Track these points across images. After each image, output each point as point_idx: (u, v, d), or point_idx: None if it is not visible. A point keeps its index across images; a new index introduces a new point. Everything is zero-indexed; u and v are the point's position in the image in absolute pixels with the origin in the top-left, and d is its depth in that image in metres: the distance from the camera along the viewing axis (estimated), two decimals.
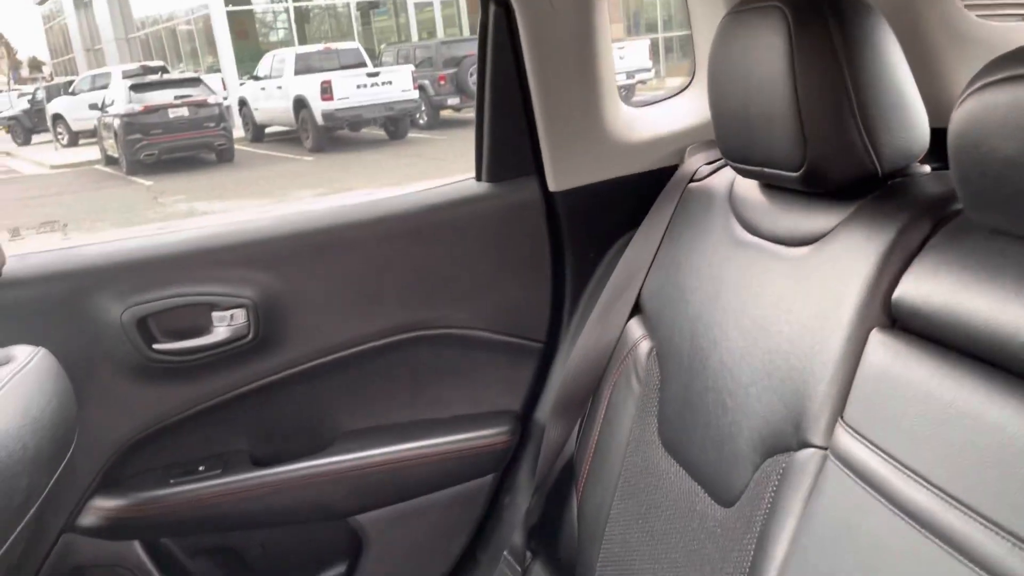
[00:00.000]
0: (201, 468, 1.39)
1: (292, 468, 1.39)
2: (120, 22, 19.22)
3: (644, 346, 1.27)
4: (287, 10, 17.49)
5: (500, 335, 1.46)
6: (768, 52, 0.94)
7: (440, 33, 17.37)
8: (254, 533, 1.46)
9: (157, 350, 1.31)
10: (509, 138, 1.42)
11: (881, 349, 0.83)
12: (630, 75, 12.94)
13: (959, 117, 0.71)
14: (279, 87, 12.28)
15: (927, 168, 0.98)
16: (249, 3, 17.14)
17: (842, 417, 0.84)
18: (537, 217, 1.43)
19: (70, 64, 21.43)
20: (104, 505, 1.35)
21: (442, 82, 12.39)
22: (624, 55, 13.01)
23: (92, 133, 12.50)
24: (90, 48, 20.85)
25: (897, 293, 0.83)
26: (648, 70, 13.77)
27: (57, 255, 1.31)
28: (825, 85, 0.91)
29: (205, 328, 1.33)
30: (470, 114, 13.04)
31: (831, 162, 0.93)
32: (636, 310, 1.32)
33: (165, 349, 1.31)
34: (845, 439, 0.82)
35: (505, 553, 1.43)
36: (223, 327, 1.33)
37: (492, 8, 1.35)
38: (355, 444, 1.42)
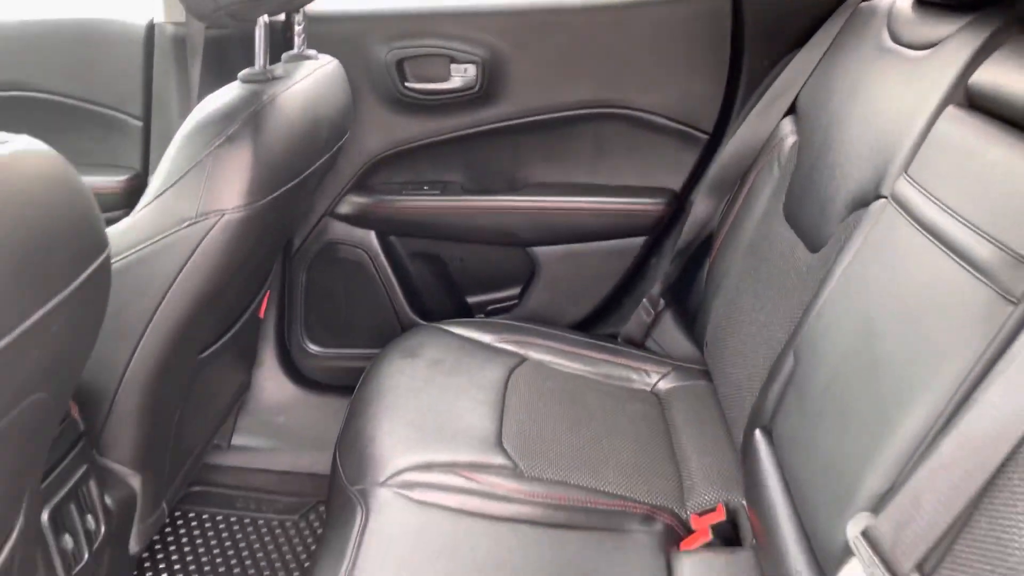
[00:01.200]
0: (425, 187, 1.82)
1: (492, 198, 1.79)
2: None
3: (790, 140, 1.51)
4: None
5: (673, 122, 1.74)
6: None
7: None
8: (456, 246, 1.89)
9: (408, 87, 1.72)
10: None
11: (953, 122, 1.04)
12: None
13: None
14: None
15: None
16: None
17: (907, 171, 1.08)
18: (723, 18, 1.66)
19: None
20: (355, 200, 1.82)
21: None
22: None
23: None
24: None
25: (974, 78, 1.04)
26: None
27: (349, 4, 1.73)
28: None
29: (444, 76, 1.71)
30: None
31: None
32: (791, 111, 1.56)
33: (413, 88, 1.72)
34: (903, 187, 1.06)
35: (644, 301, 1.77)
36: (458, 77, 1.71)
37: None
38: (542, 190, 1.79)
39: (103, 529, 1.16)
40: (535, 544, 1.15)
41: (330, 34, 1.67)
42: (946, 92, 1.08)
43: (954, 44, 1.12)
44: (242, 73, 1.23)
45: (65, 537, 1.08)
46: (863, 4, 1.48)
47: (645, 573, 1.13)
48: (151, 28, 1.66)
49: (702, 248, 1.72)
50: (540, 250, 1.85)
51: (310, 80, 1.31)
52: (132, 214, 1.15)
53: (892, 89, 1.22)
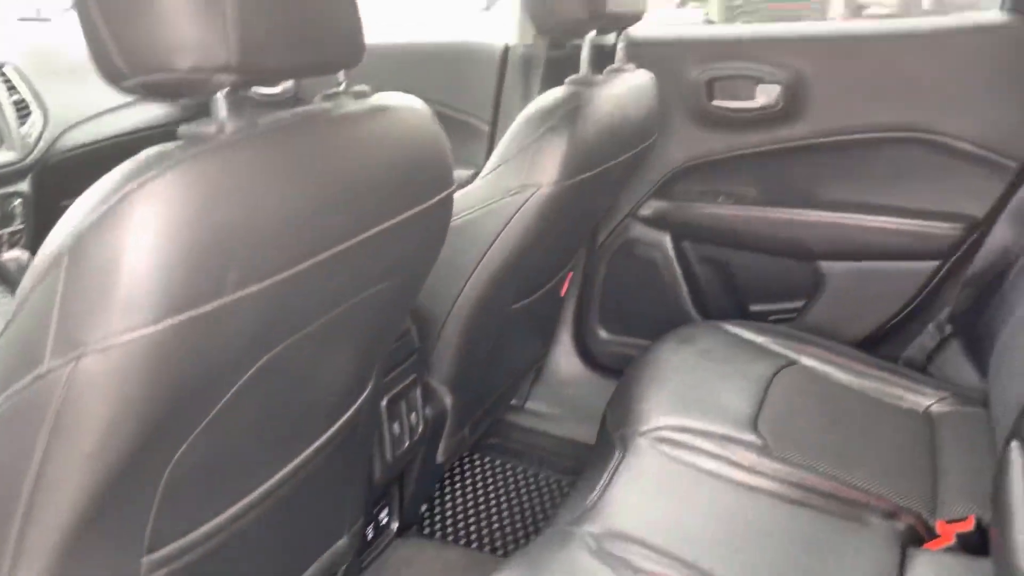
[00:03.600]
0: (720, 198, 1.98)
1: (785, 210, 1.90)
2: None
3: None
4: None
5: (981, 148, 1.72)
6: None
7: None
8: (745, 255, 2.02)
9: (715, 104, 1.90)
10: None
11: None
12: None
13: None
14: None
15: None
16: None
17: None
18: None
19: None
20: (656, 204, 2.04)
21: None
22: None
23: None
24: None
25: None
26: None
27: (663, 29, 1.97)
28: None
29: (750, 95, 1.87)
30: None
31: None
32: None
33: (720, 105, 1.90)
34: None
35: (930, 326, 1.76)
36: (762, 96, 1.85)
37: None
38: (835, 206, 1.86)
39: (420, 428, 1.49)
40: (770, 512, 1.23)
41: (650, 55, 1.91)
42: None
43: None
44: (569, 78, 1.50)
45: (395, 425, 1.41)
46: None
47: (876, 562, 1.15)
48: (506, 50, 2.03)
49: (997, 277, 1.68)
50: (828, 264, 1.91)
51: (623, 86, 1.55)
52: (469, 187, 1.47)
53: None
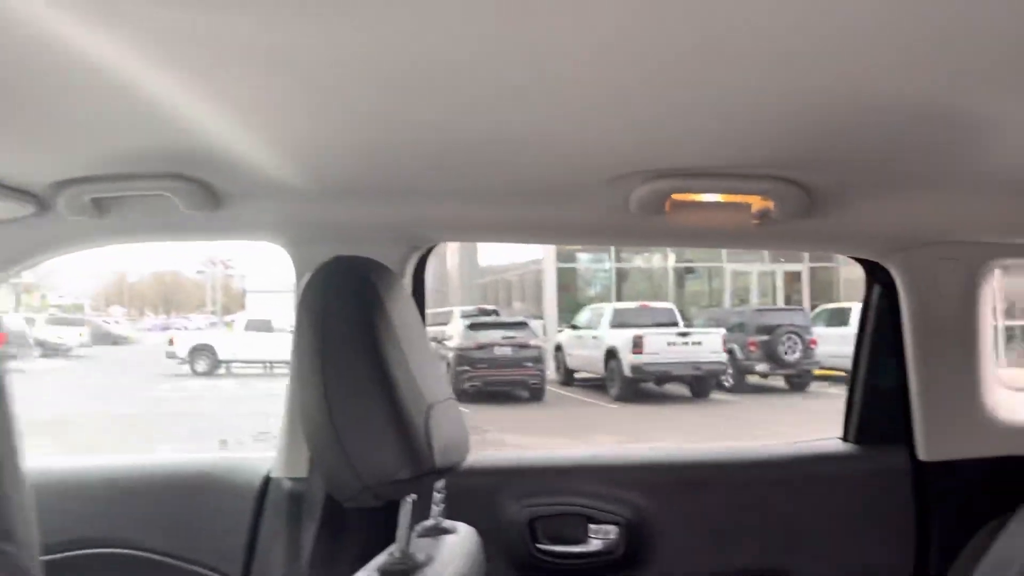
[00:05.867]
0: None
1: None
2: (467, 269, 22.18)
3: None
4: (608, 269, 19.04)
5: None
6: None
7: (754, 301, 17.71)
8: None
9: (540, 549, 1.50)
10: (881, 404, 1.50)
11: None
12: None
13: None
14: (594, 337, 13.15)
15: None
16: (575, 261, 18.94)
17: None
18: (904, 485, 1.47)
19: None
20: None
21: (752, 348, 12.47)
22: None
23: None
24: (437, 289, 24.13)
25: None
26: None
27: (478, 455, 1.60)
28: None
29: (581, 538, 1.51)
30: (777, 381, 12.94)
31: None
32: None
33: (547, 550, 1.50)
34: None
35: None
36: (597, 539, 1.50)
37: (877, 287, 1.51)
38: None
39: None
40: None
41: (458, 486, 1.52)
42: None
43: None
44: (379, 563, 1.04)
45: None
46: None
47: None
48: (266, 482, 1.53)
49: None
50: None
51: (455, 568, 1.11)
52: None
53: None
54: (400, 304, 1.05)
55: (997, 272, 1.55)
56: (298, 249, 1.41)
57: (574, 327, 14.34)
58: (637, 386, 12.29)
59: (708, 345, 12.09)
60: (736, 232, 1.34)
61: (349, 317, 0.99)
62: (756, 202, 1.19)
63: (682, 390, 12.59)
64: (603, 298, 17.74)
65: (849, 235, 1.40)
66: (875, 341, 1.51)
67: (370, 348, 0.98)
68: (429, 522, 1.25)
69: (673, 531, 1.51)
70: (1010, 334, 14.89)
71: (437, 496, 1.27)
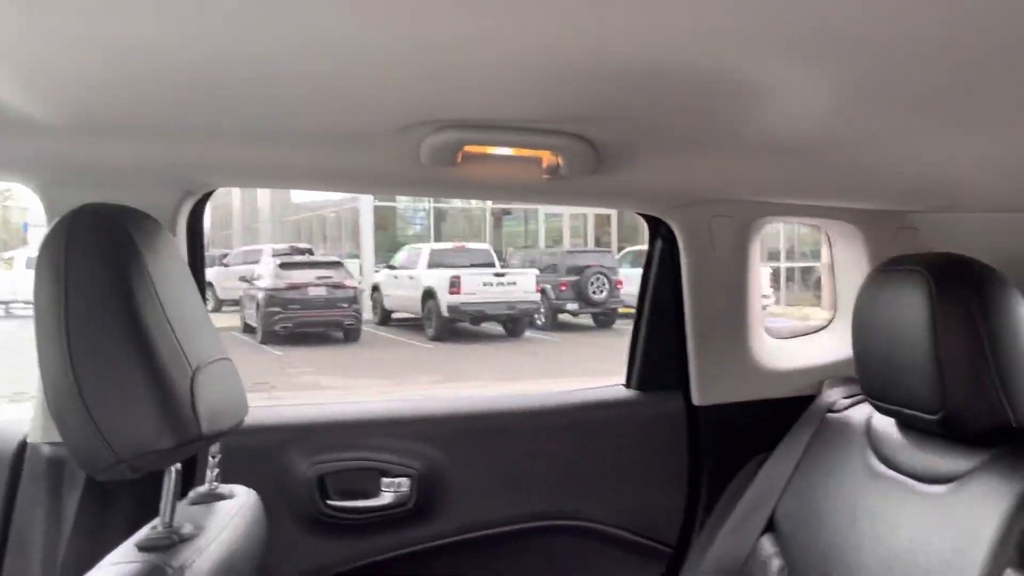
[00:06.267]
0: None
1: None
2: (278, 206, 21.29)
3: (775, 564, 1.34)
4: (427, 209, 18.95)
5: (633, 535, 1.55)
6: (911, 311, 1.08)
7: (566, 243, 18.31)
8: None
9: (331, 506, 1.47)
10: (660, 353, 1.58)
11: None
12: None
13: None
14: (411, 277, 13.10)
15: None
16: (393, 201, 18.68)
17: None
18: (679, 428, 1.56)
19: (227, 238, 23.59)
20: None
21: (563, 288, 12.93)
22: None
23: (236, 302, 13.52)
24: (247, 226, 23.01)
25: None
26: (768, 296, 13.96)
27: (264, 411, 1.53)
28: (964, 346, 1.04)
29: (374, 491, 1.49)
30: (586, 320, 13.54)
31: (968, 412, 1.04)
32: (769, 527, 1.40)
33: (337, 506, 1.47)
34: None
35: None
36: (389, 492, 1.48)
37: (659, 242, 1.57)
38: None
39: None
40: None
41: (242, 447, 1.45)
42: (995, 548, 0.95)
43: (984, 487, 1.01)
44: (139, 538, 0.96)
45: None
46: (830, 415, 1.41)
47: None
48: (23, 447, 1.39)
49: None
50: None
51: (227, 536, 1.05)
52: None
53: (908, 528, 1.08)
54: (163, 257, 0.96)
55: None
56: (50, 193, 1.25)
57: (391, 267, 14.20)
58: (454, 326, 12.43)
59: (522, 285, 12.39)
60: (527, 186, 1.33)
61: (96, 273, 0.89)
62: (546, 157, 1.18)
63: (497, 329, 12.89)
64: (422, 238, 17.68)
65: (633, 192, 1.43)
66: (656, 293, 1.58)
67: (123, 308, 0.89)
68: (203, 488, 1.18)
69: (465, 481, 1.52)
70: (789, 275, 16.40)
71: (212, 461, 1.19)
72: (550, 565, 1.54)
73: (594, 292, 12.86)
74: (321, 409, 1.55)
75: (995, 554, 0.94)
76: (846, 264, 1.62)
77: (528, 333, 12.76)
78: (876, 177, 1.28)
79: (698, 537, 1.54)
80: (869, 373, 1.20)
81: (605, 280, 12.90)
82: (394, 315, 13.93)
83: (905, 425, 1.20)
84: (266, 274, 12.13)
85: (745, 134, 1.03)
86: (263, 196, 21.51)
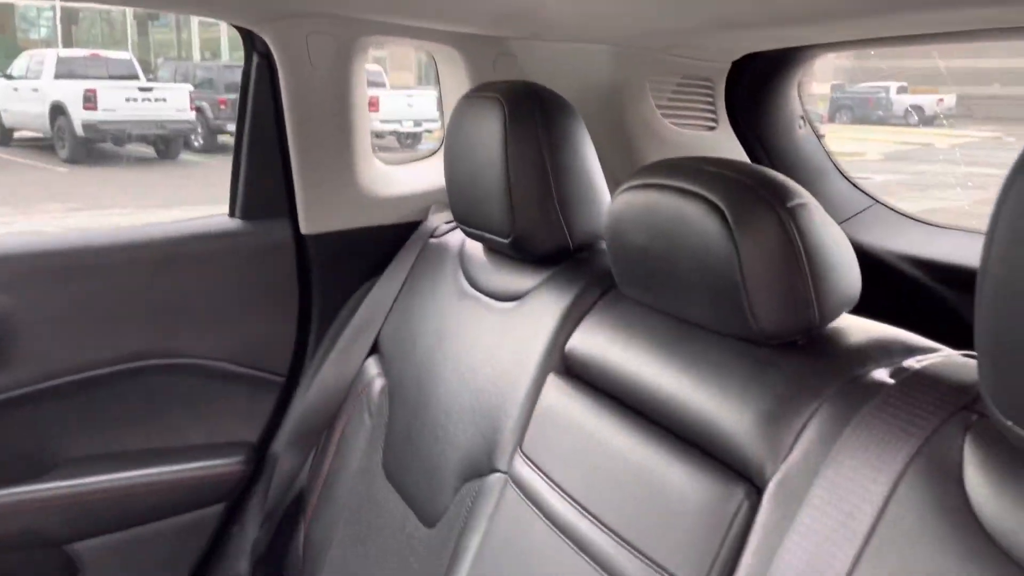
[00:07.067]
0: None
1: (4, 491, 1.35)
2: None
3: (378, 384, 1.38)
4: (53, 8, 16.11)
5: (242, 367, 1.51)
6: (488, 137, 1.11)
7: (225, 56, 16.77)
8: None
9: None
10: (264, 180, 1.49)
11: (554, 391, 1.00)
12: (418, 123, 13.19)
13: (611, 211, 0.90)
14: (34, 89, 11.25)
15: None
16: None
17: (521, 447, 1.00)
18: (287, 257, 1.51)
19: None
20: None
21: (223, 106, 11.94)
22: (413, 103, 13.24)
23: None
24: None
25: (569, 345, 1.02)
26: (435, 120, 14.14)
27: None
28: (530, 172, 1.09)
29: None
30: None
31: (534, 233, 1.11)
32: (374, 350, 1.44)
33: None
34: (520, 465, 0.98)
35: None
36: None
37: (255, 57, 1.43)
38: (75, 471, 1.40)
39: None
40: None
41: None
42: (543, 357, 1.04)
43: (540, 302, 1.09)
44: None
45: None
46: (432, 240, 1.45)
47: None
48: None
49: (294, 508, 1.49)
50: (81, 546, 1.43)
51: None
52: None
53: (483, 343, 1.16)
54: None
55: None
56: None
57: (9, 77, 12.03)
58: (93, 146, 11.03)
59: (173, 102, 11.23)
60: None
61: None
62: None
63: (148, 150, 11.69)
64: (48, 43, 15.13)
65: None
66: (256, 115, 1.47)
67: None
68: None
69: (45, 326, 1.36)
70: None
71: None
72: (150, 405, 1.46)
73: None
74: None
75: (543, 362, 1.04)
76: (452, 90, 1.62)
77: (185, 155, 11.74)
78: None
79: (309, 365, 1.55)
80: (457, 199, 1.23)
81: None
82: (16, 134, 11.99)
83: (489, 248, 1.26)
84: None
85: None
86: None
